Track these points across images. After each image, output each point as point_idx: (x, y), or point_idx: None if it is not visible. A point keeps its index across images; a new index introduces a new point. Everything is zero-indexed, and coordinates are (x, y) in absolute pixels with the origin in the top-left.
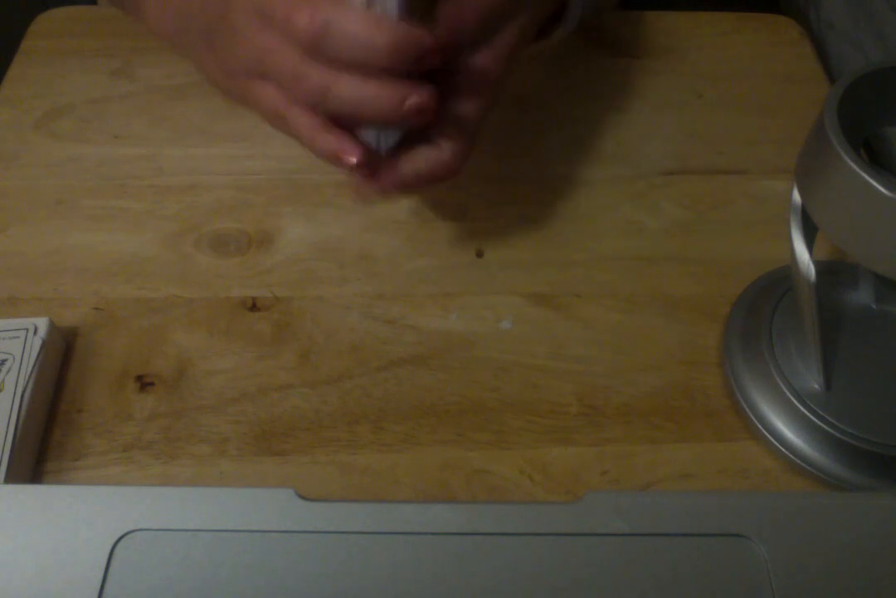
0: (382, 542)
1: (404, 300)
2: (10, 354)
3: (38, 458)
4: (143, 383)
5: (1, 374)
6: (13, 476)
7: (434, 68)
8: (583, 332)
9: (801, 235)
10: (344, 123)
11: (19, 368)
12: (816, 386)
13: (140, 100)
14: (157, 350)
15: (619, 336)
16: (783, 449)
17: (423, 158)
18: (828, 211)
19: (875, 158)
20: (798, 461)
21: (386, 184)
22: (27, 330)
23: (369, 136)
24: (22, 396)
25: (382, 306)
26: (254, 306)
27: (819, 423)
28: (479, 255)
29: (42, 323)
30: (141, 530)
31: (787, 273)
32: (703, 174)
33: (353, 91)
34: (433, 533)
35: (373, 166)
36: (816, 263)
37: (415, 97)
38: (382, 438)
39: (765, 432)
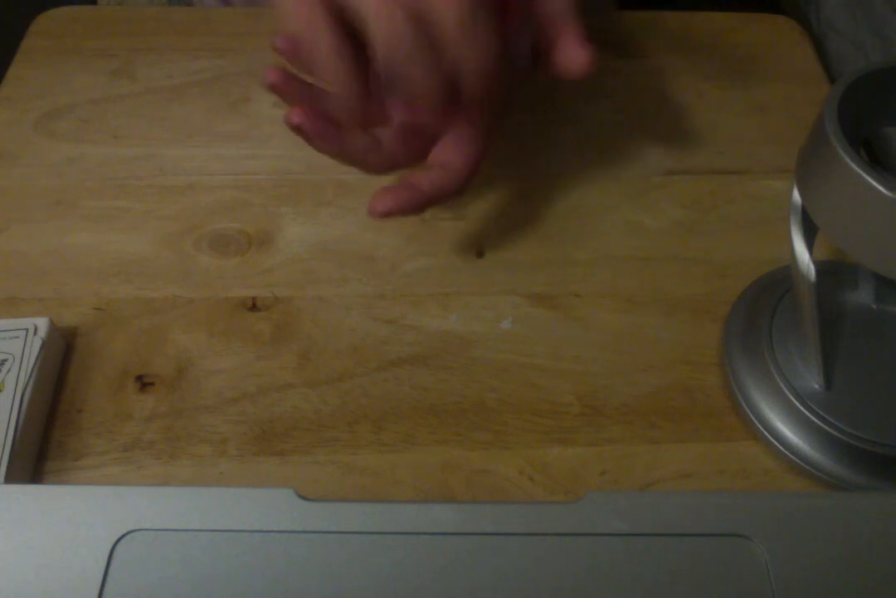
0: (382, 542)
1: (404, 300)
2: (10, 354)
3: (38, 458)
4: (143, 383)
5: (1, 374)
6: (13, 476)
7: None
8: (583, 332)
9: (801, 235)
10: None
11: (19, 368)
12: (816, 386)
13: (140, 100)
14: (157, 350)
15: (619, 336)
16: (783, 449)
17: (432, 176)
18: (828, 211)
19: (875, 158)
20: (798, 461)
21: (397, 200)
22: (27, 330)
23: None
24: (22, 396)
25: (382, 306)
26: (254, 306)
27: (819, 423)
28: (479, 255)
29: (42, 323)
30: (141, 530)
31: (787, 273)
32: (703, 174)
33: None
34: (433, 533)
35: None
36: (816, 263)
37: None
38: (382, 438)
39: (765, 432)
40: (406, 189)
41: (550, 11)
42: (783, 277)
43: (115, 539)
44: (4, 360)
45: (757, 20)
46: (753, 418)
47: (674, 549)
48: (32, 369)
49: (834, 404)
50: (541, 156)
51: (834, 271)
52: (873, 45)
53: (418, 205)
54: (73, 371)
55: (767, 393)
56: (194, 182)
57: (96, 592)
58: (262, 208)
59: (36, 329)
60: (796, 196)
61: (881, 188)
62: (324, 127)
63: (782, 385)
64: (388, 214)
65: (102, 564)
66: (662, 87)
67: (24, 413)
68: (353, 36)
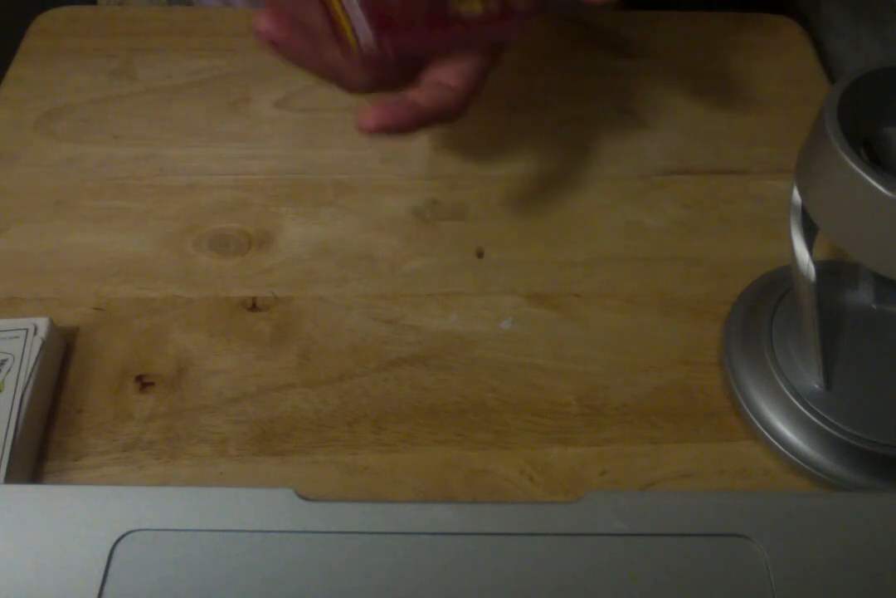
0: (382, 542)
1: (404, 300)
2: (10, 354)
3: (38, 458)
4: (143, 383)
5: (1, 374)
6: (13, 476)
7: None
8: (583, 332)
9: (801, 235)
10: None
11: (19, 368)
12: (816, 386)
13: (140, 100)
14: (157, 350)
15: (619, 336)
16: (783, 449)
17: (428, 93)
18: (828, 211)
19: (875, 158)
20: (798, 461)
21: (390, 114)
22: (27, 330)
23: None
24: (22, 396)
25: (382, 306)
26: (254, 306)
27: (819, 423)
28: (479, 255)
29: (42, 323)
30: (141, 530)
31: (787, 273)
32: (703, 174)
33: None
34: (433, 533)
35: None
36: (816, 263)
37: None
38: (382, 438)
39: (765, 432)
40: (400, 104)
41: None
42: (783, 277)
43: (115, 539)
44: (4, 360)
45: (757, 20)
46: (753, 418)
47: (674, 549)
48: (32, 369)
49: (834, 404)
50: (541, 156)
51: (834, 271)
52: (873, 45)
53: (413, 122)
54: (73, 371)
55: (767, 393)
56: (194, 182)
57: (96, 592)
58: (262, 208)
59: (36, 329)
60: (796, 196)
61: (881, 188)
62: (295, 35)
63: (782, 385)
64: (379, 129)
65: (102, 564)
66: (662, 87)
67: (24, 413)
68: None
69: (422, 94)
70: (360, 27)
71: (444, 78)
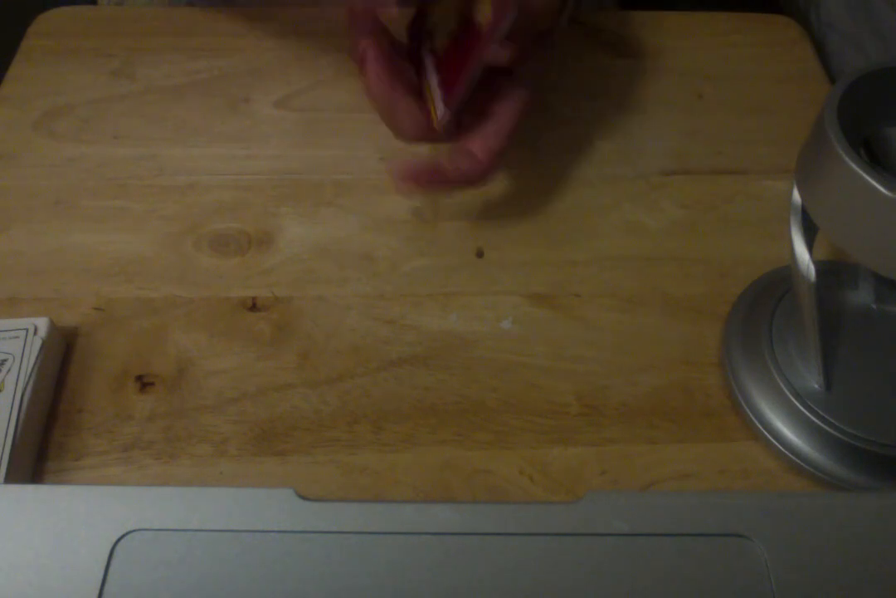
0: (382, 542)
1: (404, 300)
2: (10, 354)
3: (38, 458)
4: (143, 384)
5: (1, 374)
6: (13, 476)
7: None
8: (583, 332)
9: (801, 235)
10: None
11: (19, 368)
12: (816, 386)
13: (140, 100)
14: (157, 350)
15: (619, 336)
16: (783, 449)
17: (456, 162)
18: (828, 211)
19: (875, 158)
20: (798, 461)
21: (416, 178)
22: (27, 330)
23: None
24: (22, 396)
25: (382, 306)
26: (254, 306)
27: (819, 423)
28: (479, 255)
29: (42, 323)
30: (141, 530)
31: (787, 273)
32: (703, 174)
33: None
34: (433, 533)
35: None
36: (816, 263)
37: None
38: (382, 438)
39: (765, 432)
40: (434, 173)
41: None
42: (783, 277)
43: (115, 539)
44: (4, 360)
45: (757, 20)
46: (753, 418)
47: (674, 549)
48: (32, 369)
49: (834, 404)
50: (540, 156)
51: (834, 271)
52: (873, 45)
53: (436, 186)
54: (73, 371)
55: (767, 393)
56: (194, 182)
57: (96, 592)
58: (262, 208)
59: (36, 329)
60: (796, 196)
61: (881, 188)
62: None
63: (782, 385)
64: (406, 186)
65: (102, 564)
66: (662, 87)
67: (24, 413)
68: None
69: (450, 164)
70: (439, 106)
71: (475, 149)
